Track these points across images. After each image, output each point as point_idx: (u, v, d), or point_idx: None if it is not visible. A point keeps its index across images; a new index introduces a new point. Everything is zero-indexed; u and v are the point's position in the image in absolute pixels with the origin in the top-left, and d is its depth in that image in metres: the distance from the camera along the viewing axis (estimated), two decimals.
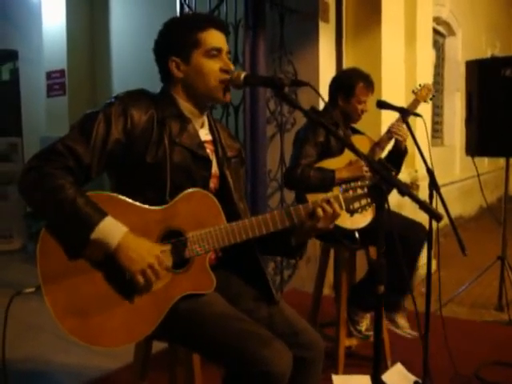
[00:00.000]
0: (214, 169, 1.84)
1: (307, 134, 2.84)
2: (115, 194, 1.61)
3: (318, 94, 1.66)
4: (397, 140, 2.91)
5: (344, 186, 1.75)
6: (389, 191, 1.59)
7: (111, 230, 1.51)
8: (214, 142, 1.88)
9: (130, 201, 1.61)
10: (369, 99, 2.94)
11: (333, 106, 2.98)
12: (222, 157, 1.87)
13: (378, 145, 2.92)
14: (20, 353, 3.19)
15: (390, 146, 3.01)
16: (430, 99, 3.02)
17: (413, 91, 3.02)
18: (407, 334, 3.02)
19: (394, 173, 2.91)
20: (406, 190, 1.53)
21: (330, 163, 2.80)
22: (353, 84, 2.91)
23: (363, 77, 2.94)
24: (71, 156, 1.57)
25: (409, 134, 2.65)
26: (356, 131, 3.09)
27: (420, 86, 3.02)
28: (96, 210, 1.51)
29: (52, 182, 1.50)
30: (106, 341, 1.56)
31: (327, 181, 2.70)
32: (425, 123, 2.72)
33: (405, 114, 2.67)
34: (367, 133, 3.13)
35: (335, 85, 3.01)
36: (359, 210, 1.75)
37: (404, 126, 2.80)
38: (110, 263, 1.54)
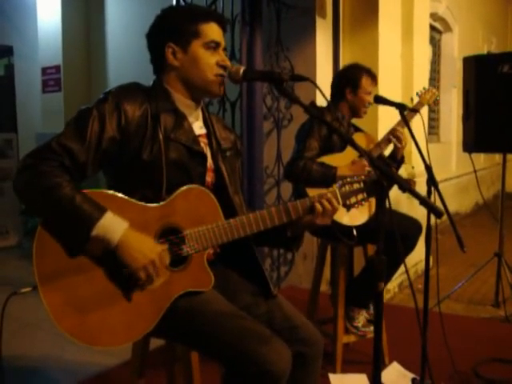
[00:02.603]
0: (209, 162, 1.81)
1: (312, 127, 2.85)
2: (112, 192, 1.59)
3: (319, 89, 1.64)
4: (395, 146, 2.92)
5: (341, 182, 1.76)
6: (389, 187, 1.58)
7: (112, 225, 1.49)
8: (209, 135, 1.85)
9: (127, 198, 1.59)
10: (373, 90, 3.00)
11: (339, 101, 3.02)
12: (217, 150, 1.84)
13: (378, 145, 2.93)
14: (16, 350, 3.18)
15: (388, 151, 3.02)
16: (434, 102, 3.05)
17: (417, 93, 3.08)
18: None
19: (394, 169, 2.92)
20: (407, 187, 1.52)
21: (331, 159, 2.80)
22: (358, 76, 2.98)
23: (366, 69, 3.03)
24: (66, 154, 1.54)
25: (409, 139, 2.66)
26: (357, 129, 3.10)
27: (424, 89, 3.08)
28: (95, 206, 1.49)
29: (48, 181, 1.48)
30: (105, 340, 1.54)
31: (328, 177, 2.70)
32: (422, 119, 2.71)
33: (401, 109, 2.66)
34: (364, 128, 3.14)
35: (343, 80, 3.05)
36: (356, 204, 1.78)
37: (406, 131, 2.79)
38: (109, 259, 1.52)
